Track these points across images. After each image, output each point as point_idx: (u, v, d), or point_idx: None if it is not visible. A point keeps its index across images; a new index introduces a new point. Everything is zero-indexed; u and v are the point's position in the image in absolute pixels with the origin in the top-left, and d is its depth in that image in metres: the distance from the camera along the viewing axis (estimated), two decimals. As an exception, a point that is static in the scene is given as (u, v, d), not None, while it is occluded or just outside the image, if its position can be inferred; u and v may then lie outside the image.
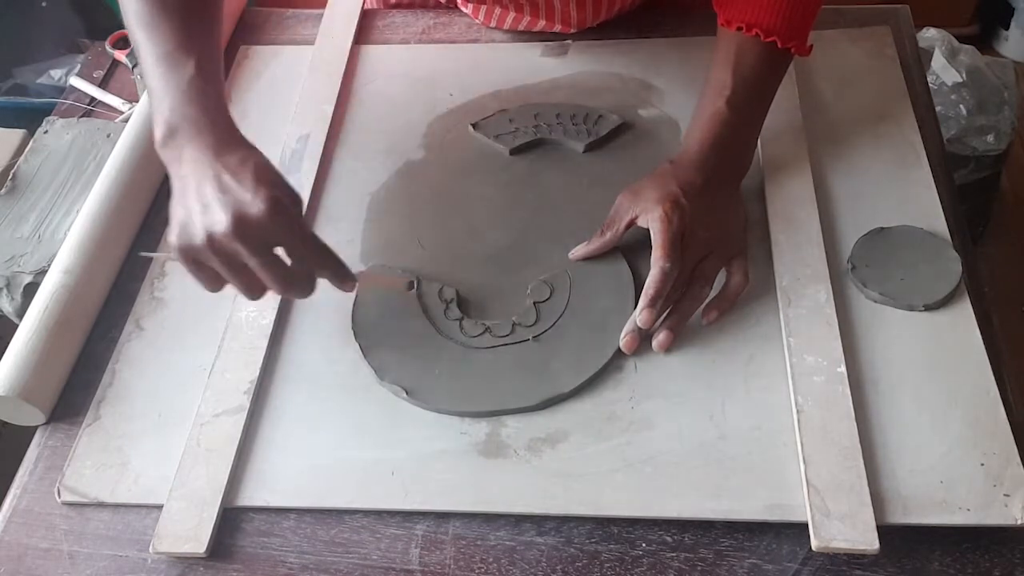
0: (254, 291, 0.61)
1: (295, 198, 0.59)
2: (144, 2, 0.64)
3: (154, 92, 0.62)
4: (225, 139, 0.59)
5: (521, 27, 0.89)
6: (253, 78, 0.89)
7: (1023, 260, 1.66)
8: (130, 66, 0.94)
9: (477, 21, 0.91)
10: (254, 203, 0.56)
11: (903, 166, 0.75)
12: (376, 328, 0.68)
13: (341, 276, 0.63)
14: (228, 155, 0.58)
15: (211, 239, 0.57)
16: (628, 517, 0.58)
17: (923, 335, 0.64)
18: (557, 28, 0.87)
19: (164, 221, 0.77)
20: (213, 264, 0.58)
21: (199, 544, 0.58)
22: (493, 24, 0.90)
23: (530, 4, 0.83)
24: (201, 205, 0.57)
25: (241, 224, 0.56)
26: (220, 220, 0.56)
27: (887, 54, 0.84)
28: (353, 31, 0.92)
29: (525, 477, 0.60)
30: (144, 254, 0.72)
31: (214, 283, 0.61)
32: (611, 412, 0.62)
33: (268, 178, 0.57)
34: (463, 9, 0.91)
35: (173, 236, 0.59)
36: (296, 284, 0.60)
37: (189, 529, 0.59)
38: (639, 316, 0.64)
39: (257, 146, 0.61)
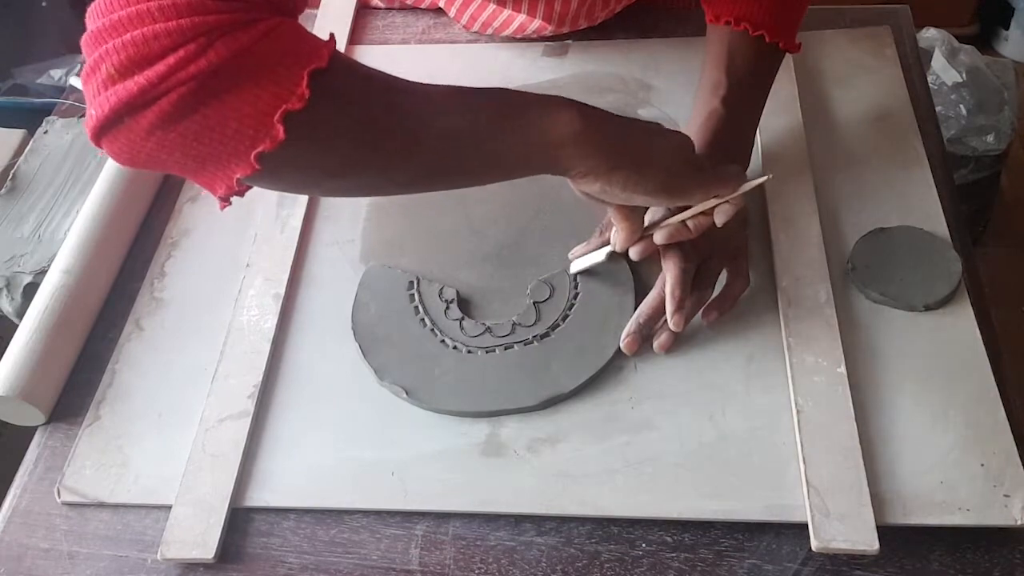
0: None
1: None
2: (386, 89, 0.53)
3: (518, 114, 0.55)
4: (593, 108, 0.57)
5: (509, 31, 0.89)
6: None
7: (1023, 260, 1.67)
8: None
9: (458, 25, 0.91)
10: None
11: (903, 166, 0.75)
12: (376, 329, 0.68)
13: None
14: (623, 118, 0.59)
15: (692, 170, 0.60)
16: (628, 517, 0.58)
17: (923, 335, 0.64)
18: (540, 26, 0.87)
19: (164, 221, 0.78)
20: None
21: (207, 550, 0.58)
22: (476, 29, 0.90)
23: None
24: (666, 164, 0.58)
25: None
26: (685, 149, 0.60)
27: (887, 54, 0.84)
28: (347, 32, 0.91)
29: (525, 477, 0.60)
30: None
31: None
32: (611, 412, 0.62)
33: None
34: (448, 14, 0.91)
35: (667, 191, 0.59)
36: None
37: (197, 535, 0.58)
38: (672, 319, 0.63)
39: None
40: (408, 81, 0.54)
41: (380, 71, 0.53)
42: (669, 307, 0.63)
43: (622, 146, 0.57)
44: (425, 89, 0.53)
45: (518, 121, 0.54)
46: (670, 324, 0.63)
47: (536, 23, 0.86)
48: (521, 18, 0.86)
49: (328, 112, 0.47)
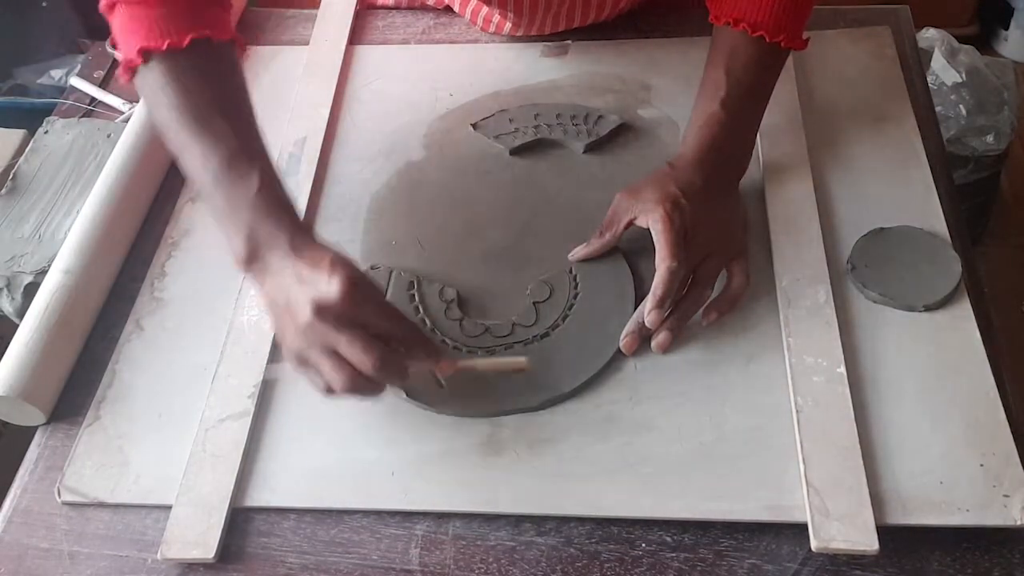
0: (351, 377, 0.57)
1: (372, 282, 0.59)
2: (184, 95, 0.62)
3: (220, 207, 0.61)
4: (299, 243, 0.59)
5: (519, 33, 0.89)
6: (253, 79, 0.89)
7: (1023, 260, 1.67)
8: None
9: (476, 27, 0.91)
10: (330, 284, 0.56)
11: (903, 166, 0.75)
12: (376, 328, 0.68)
13: (431, 353, 0.60)
14: (305, 254, 0.58)
15: (301, 332, 0.57)
16: (628, 517, 0.58)
17: (923, 335, 0.64)
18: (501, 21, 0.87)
19: (164, 221, 0.78)
20: (314, 357, 0.57)
21: (207, 550, 0.58)
22: (492, 30, 0.90)
23: (514, 3, 0.83)
24: (287, 306, 0.58)
25: (320, 306, 0.56)
26: (304, 311, 0.56)
27: (887, 54, 0.84)
28: (347, 32, 0.91)
29: (525, 477, 0.60)
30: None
31: (326, 386, 0.58)
32: (611, 412, 0.62)
33: (343, 264, 0.57)
34: (463, 17, 0.91)
35: (282, 348, 0.59)
36: (387, 363, 0.56)
37: (198, 535, 0.59)
38: (647, 316, 0.64)
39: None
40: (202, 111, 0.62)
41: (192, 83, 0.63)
42: (648, 304, 0.64)
43: None
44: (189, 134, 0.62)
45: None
46: (646, 321, 0.64)
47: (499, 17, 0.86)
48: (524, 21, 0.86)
49: (142, 83, 0.65)
